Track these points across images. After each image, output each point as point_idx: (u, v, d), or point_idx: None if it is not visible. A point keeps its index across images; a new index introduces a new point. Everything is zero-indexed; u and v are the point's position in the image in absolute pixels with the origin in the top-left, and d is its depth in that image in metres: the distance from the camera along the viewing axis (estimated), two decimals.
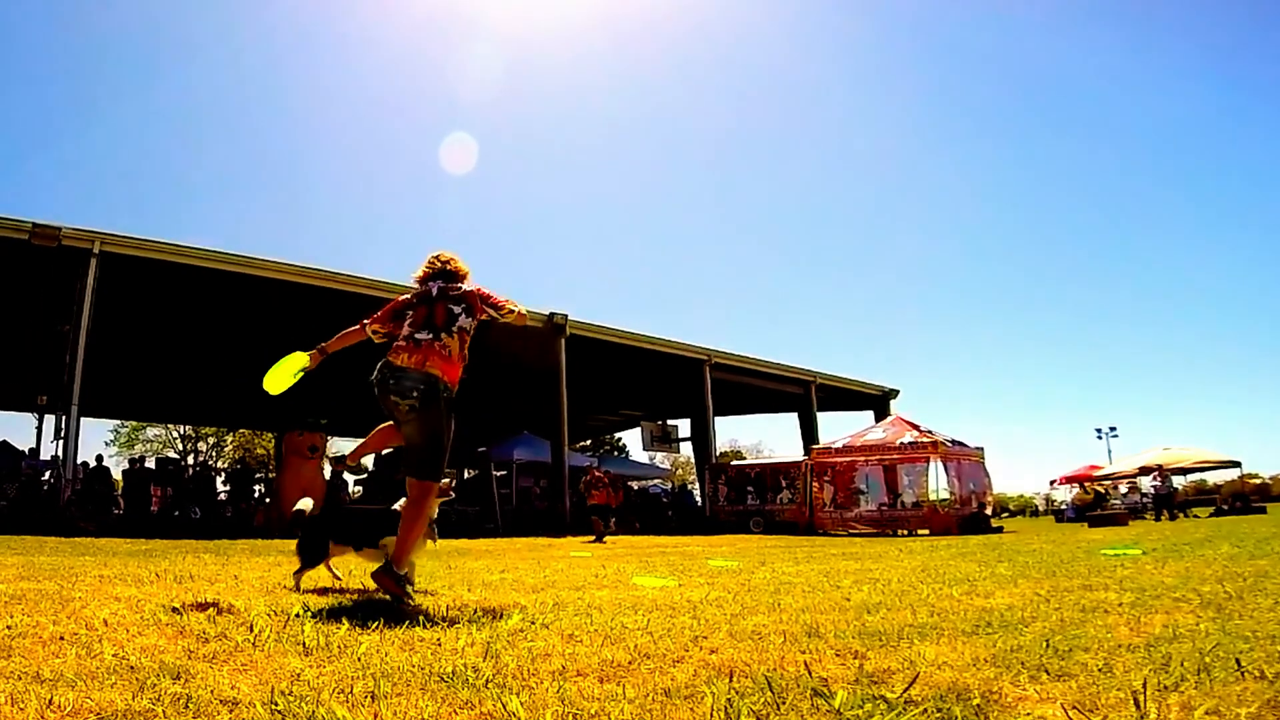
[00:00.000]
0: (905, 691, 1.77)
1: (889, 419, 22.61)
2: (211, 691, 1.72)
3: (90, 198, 76.90)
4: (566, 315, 19.82)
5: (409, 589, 3.53)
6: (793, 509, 21.01)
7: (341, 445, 46.80)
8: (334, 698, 1.69)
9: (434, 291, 3.91)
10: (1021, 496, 71.30)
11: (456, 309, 3.82)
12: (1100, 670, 1.99)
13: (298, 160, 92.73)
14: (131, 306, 16.75)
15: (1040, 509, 59.61)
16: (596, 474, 16.08)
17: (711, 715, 1.60)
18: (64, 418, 14.05)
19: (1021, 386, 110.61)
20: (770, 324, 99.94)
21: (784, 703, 1.68)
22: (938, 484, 19.01)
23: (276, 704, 1.62)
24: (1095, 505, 23.09)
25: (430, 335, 3.73)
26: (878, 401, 29.60)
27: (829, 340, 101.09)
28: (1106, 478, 28.71)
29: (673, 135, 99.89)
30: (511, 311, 3.98)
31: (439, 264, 4.03)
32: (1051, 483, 32.60)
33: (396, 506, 3.85)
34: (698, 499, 25.94)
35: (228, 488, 22.89)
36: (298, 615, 2.86)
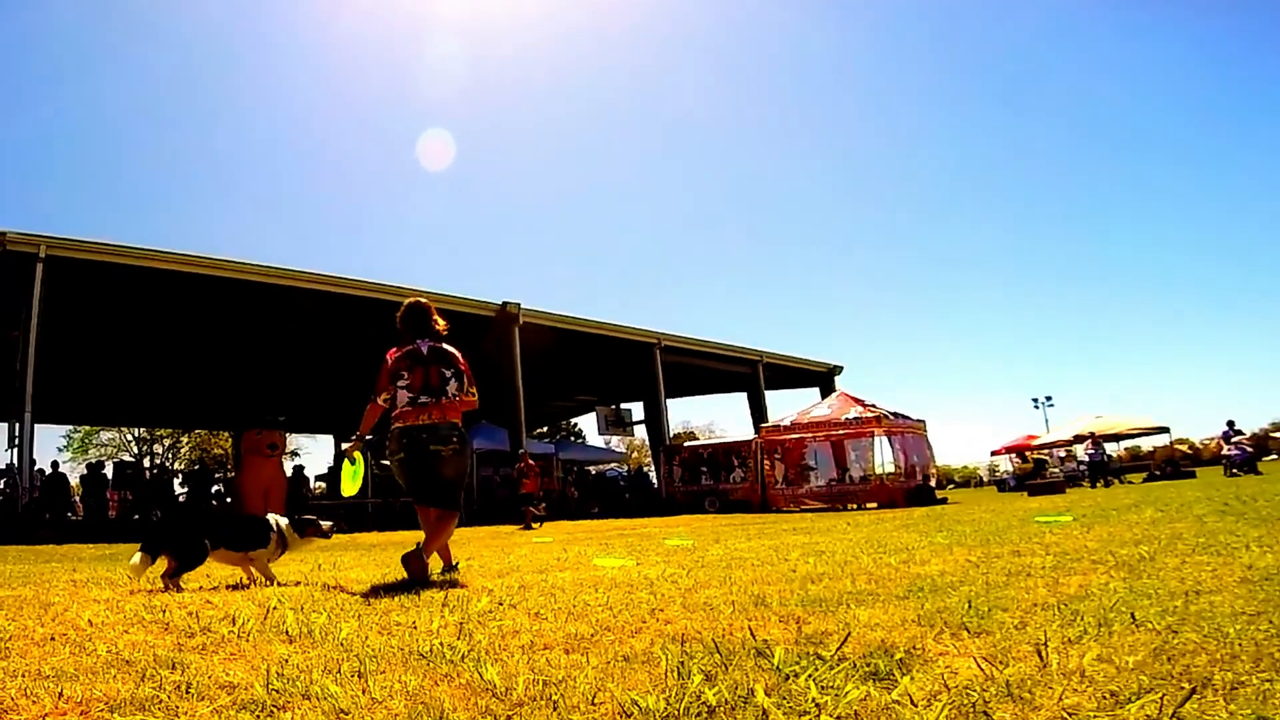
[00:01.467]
0: (839, 649, 1.97)
1: (834, 395, 23.15)
2: (209, 678, 1.83)
3: (34, 200, 73.48)
4: (519, 304, 19.91)
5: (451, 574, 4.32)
6: (745, 487, 21.47)
7: (301, 442, 45.99)
8: (325, 677, 1.82)
9: (424, 351, 4.28)
10: (966, 467, 73.61)
11: (448, 373, 4.26)
12: (1015, 627, 2.22)
13: (262, 157, 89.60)
14: (81, 309, 16.49)
15: (984, 479, 61.64)
16: (529, 462, 16.12)
17: (666, 676, 1.77)
18: (17, 425, 13.77)
19: (962, 358, 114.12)
20: (718, 306, 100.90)
21: (730, 663, 1.87)
22: (883, 458, 19.62)
23: (272, 684, 1.75)
24: (1035, 474, 24.04)
25: (430, 398, 4.20)
26: (823, 379, 30.33)
27: (775, 319, 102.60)
28: (1043, 446, 29.88)
29: (614, 121, 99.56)
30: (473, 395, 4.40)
31: (419, 315, 4.40)
32: (992, 453, 33.76)
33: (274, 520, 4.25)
34: (654, 481, 26.27)
35: (185, 489, 22.43)
36: (275, 607, 2.96)
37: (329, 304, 17.76)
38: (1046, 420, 45.69)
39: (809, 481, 20.19)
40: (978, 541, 5.25)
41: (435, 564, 4.40)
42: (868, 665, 1.82)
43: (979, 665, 1.76)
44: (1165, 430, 27.82)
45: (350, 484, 4.93)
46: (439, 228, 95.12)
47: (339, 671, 1.87)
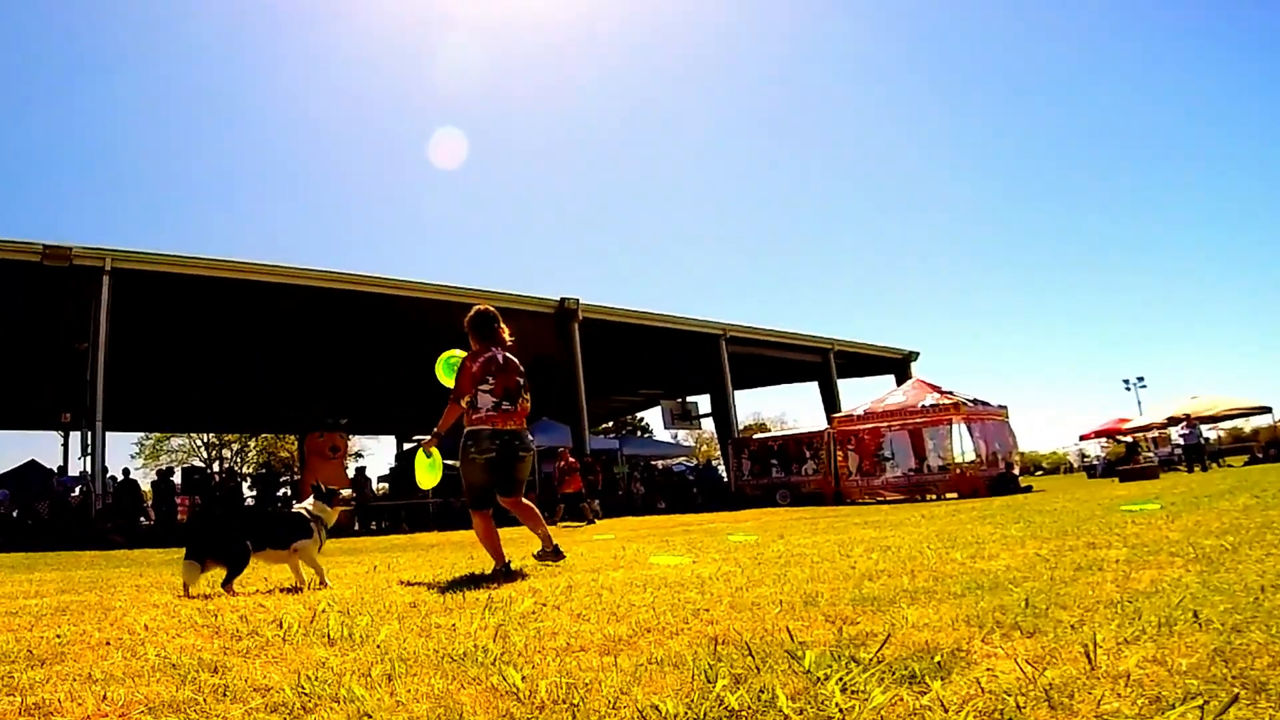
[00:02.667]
0: (878, 651, 1.90)
1: (909, 382, 22.53)
2: (246, 681, 1.90)
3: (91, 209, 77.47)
4: (578, 300, 20.00)
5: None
6: (818, 480, 21.10)
7: (364, 443, 47.44)
8: (354, 679, 1.86)
9: (501, 360, 4.73)
10: (1054, 453, 70.64)
11: (521, 381, 4.78)
12: (1071, 627, 2.10)
13: (281, 159, 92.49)
14: (147, 319, 17.07)
15: (1074, 465, 59.04)
16: (569, 460, 16.00)
17: (693, 679, 1.74)
18: (89, 434, 14.36)
19: (1047, 341, 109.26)
20: (786, 295, 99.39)
21: (762, 666, 1.82)
22: (962, 446, 19.01)
23: (303, 687, 1.79)
24: (1127, 459, 22.88)
25: (510, 405, 4.67)
26: (898, 365, 29.55)
27: (847, 306, 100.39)
28: (1135, 430, 28.42)
29: (674, 111, 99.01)
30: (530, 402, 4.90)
31: (491, 323, 4.83)
32: (1081, 437, 32.30)
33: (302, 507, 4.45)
34: (723, 475, 26.12)
35: (254, 492, 23.32)
36: (323, 610, 3.05)
37: (390, 307, 18.11)
38: (1139, 402, 43.67)
39: (885, 472, 19.71)
40: (1053, 533, 5.01)
41: (457, 556, 4.48)
42: (905, 668, 1.74)
43: (1022, 668, 1.67)
44: (1268, 410, 26.12)
45: (429, 476, 5.12)
46: (491, 227, 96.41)
47: (370, 674, 1.91)
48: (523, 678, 1.83)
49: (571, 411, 20.64)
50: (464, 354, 4.92)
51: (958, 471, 18.47)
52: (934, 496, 18.16)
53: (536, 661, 2.04)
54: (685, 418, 26.90)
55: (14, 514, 16.44)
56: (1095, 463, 29.86)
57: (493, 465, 4.59)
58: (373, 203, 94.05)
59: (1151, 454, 23.92)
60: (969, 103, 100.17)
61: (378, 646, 2.29)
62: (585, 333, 20.43)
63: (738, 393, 26.05)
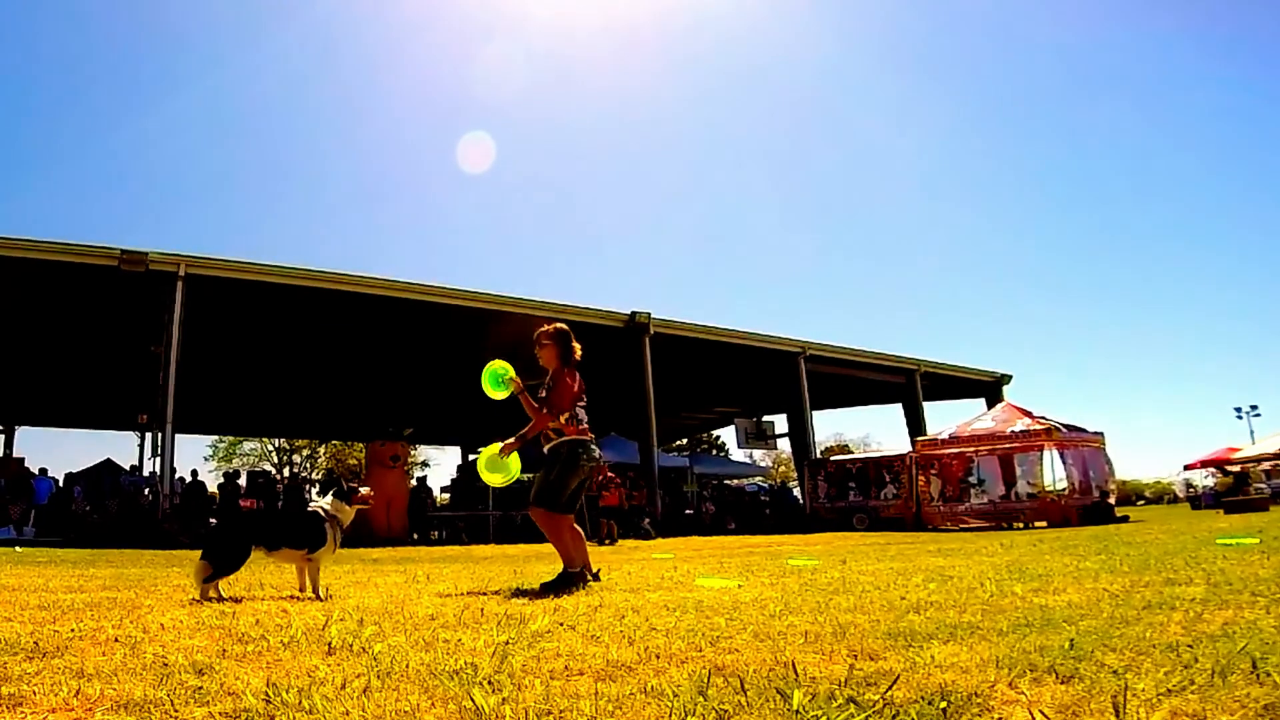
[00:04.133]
0: (886, 692, 1.74)
1: (999, 406, 21.56)
2: (223, 685, 1.89)
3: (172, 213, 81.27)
4: (649, 314, 19.89)
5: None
6: (898, 504, 20.40)
7: (429, 453, 48.27)
8: (330, 690, 1.83)
9: (581, 380, 4.95)
10: (1159, 482, 66.16)
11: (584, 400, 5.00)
12: (1115, 673, 1.88)
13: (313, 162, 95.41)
14: (219, 325, 17.56)
15: (1179, 496, 55.23)
16: (609, 474, 15.66)
17: (672, 713, 1.62)
18: (159, 435, 14.92)
19: (1153, 365, 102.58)
20: (870, 313, 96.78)
21: (752, 703, 1.68)
22: (1054, 473, 18.01)
23: (274, 695, 1.77)
24: (1236, 490, 21.19)
25: (585, 418, 4.93)
26: (989, 388, 28.34)
27: (935, 327, 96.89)
28: (1246, 461, 26.27)
29: (747, 123, 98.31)
30: None
31: (573, 343, 5.01)
32: (1186, 467, 30.08)
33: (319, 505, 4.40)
34: (798, 497, 25.52)
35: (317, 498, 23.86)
36: (339, 619, 3.06)
37: (460, 318, 18.32)
38: (1251, 431, 40.70)
39: (970, 498, 18.85)
40: (1133, 567, 4.63)
41: (498, 569, 4.43)
42: (908, 713, 1.58)
43: (1036, 717, 1.49)
44: None
45: (499, 478, 5.10)
46: (556, 241, 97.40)
47: (349, 686, 1.87)
48: (502, 699, 1.76)
49: (641, 428, 20.54)
50: (508, 366, 5.02)
51: (1048, 499, 17.49)
52: (1021, 525, 17.26)
53: (524, 683, 1.95)
54: (760, 437, 26.43)
55: (87, 510, 17.19)
56: (1200, 493, 27.72)
57: (584, 477, 4.85)
58: (452, 213, 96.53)
59: (1264, 485, 22.05)
60: (1087, 112, 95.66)
61: (374, 658, 2.26)
62: (656, 348, 20.31)
63: (818, 413, 25.44)
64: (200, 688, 1.84)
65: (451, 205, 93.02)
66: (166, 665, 2.11)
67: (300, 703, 1.70)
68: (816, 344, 24.02)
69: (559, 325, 5.01)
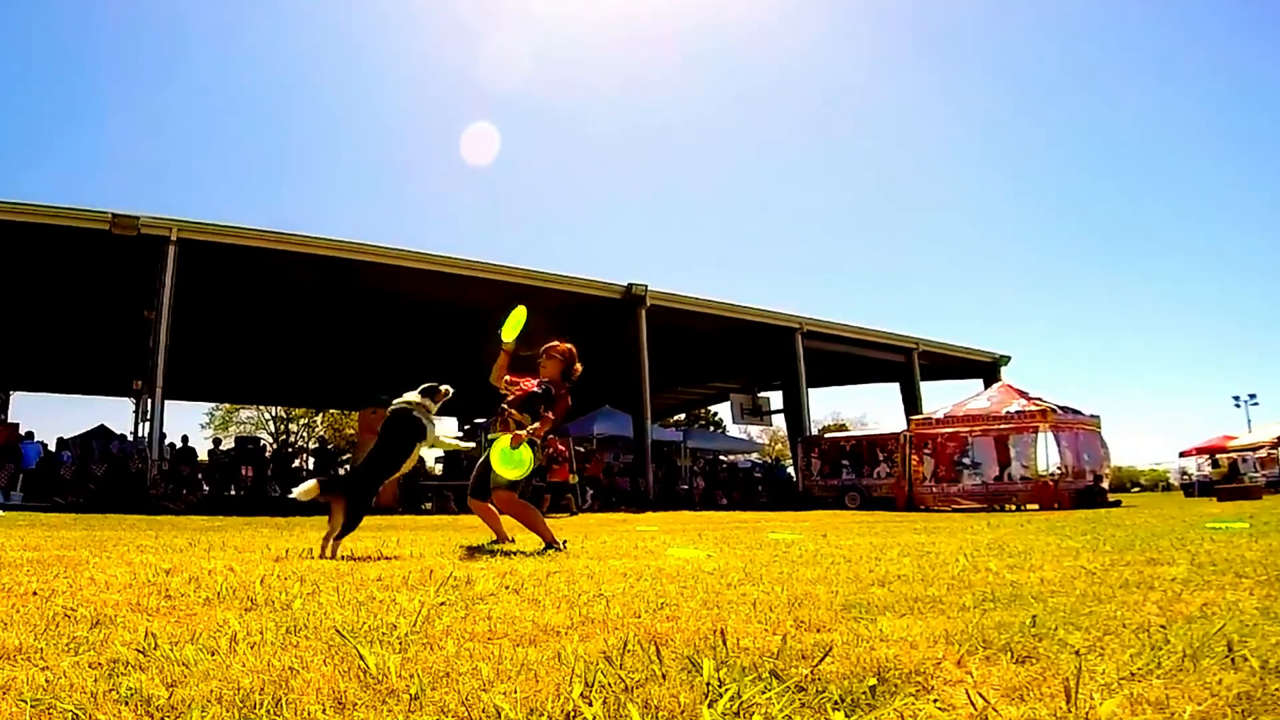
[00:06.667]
0: (815, 667, 1.57)
1: (995, 387, 21.34)
2: (107, 637, 1.78)
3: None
4: (646, 286, 19.60)
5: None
6: (890, 484, 20.25)
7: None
8: (221, 643, 1.73)
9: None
10: (1154, 469, 66.11)
11: None
12: (1077, 653, 1.71)
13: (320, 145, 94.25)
14: (213, 291, 17.25)
15: (1174, 483, 55.28)
16: (559, 447, 15.52)
17: (571, 680, 1.46)
18: (149, 400, 14.74)
19: (1153, 351, 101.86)
20: (869, 291, 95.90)
21: (662, 674, 1.52)
22: (1048, 456, 17.85)
23: (144, 647, 1.66)
24: (1230, 478, 21.08)
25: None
26: (987, 369, 28.09)
27: (934, 306, 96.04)
28: (1241, 449, 26.14)
29: (748, 92, 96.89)
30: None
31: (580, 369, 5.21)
32: (1181, 454, 29.98)
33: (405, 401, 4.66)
34: (792, 474, 25.42)
35: (311, 466, 23.75)
36: (284, 577, 2.91)
37: (456, 286, 18.01)
38: (1249, 420, 40.48)
39: (963, 479, 18.72)
40: (1117, 547, 4.47)
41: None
42: (831, 691, 1.41)
43: (974, 699, 1.32)
44: None
45: (517, 471, 5.03)
46: (559, 211, 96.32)
47: (246, 640, 1.76)
48: (403, 660, 1.62)
49: (635, 401, 20.37)
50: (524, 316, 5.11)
51: (1041, 482, 17.36)
52: (1014, 507, 17.15)
53: (439, 646, 1.80)
54: (755, 413, 26.24)
55: (75, 474, 16.97)
56: (1193, 480, 27.63)
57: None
58: (447, 181, 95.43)
59: (1258, 474, 21.93)
60: (1088, 90, 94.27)
61: (292, 614, 2.12)
62: (652, 321, 20.08)
63: (815, 391, 25.21)
64: (86, 639, 1.74)
65: (452, 189, 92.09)
66: (69, 617, 2.00)
67: (170, 654, 1.57)
68: (814, 320, 23.75)
69: (569, 346, 5.13)
